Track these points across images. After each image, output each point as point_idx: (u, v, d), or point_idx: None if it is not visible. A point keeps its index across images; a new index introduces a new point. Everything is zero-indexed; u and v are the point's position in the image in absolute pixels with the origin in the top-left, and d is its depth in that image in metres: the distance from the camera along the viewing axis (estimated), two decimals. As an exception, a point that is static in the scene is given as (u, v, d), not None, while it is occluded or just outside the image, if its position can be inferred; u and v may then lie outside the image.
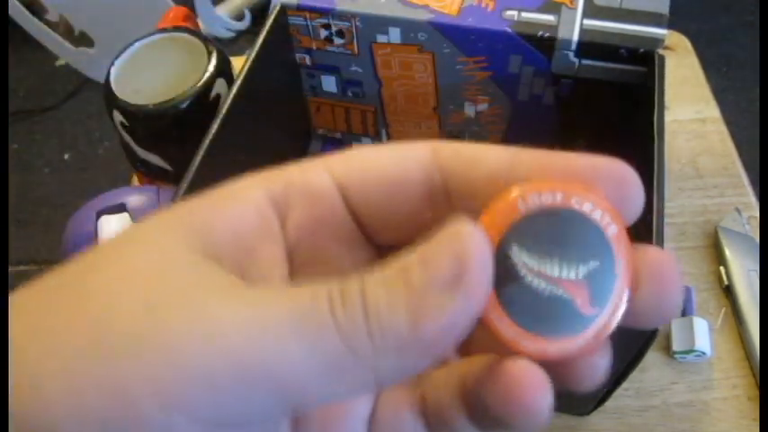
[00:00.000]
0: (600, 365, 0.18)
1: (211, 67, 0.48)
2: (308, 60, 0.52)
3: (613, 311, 0.17)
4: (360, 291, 0.16)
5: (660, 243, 0.32)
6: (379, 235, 0.20)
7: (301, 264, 0.20)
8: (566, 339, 0.17)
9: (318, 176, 0.19)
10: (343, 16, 0.47)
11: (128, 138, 0.50)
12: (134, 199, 0.47)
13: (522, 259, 0.17)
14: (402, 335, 0.15)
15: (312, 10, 0.47)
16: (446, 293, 0.15)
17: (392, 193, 0.19)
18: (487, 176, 0.18)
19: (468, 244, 0.16)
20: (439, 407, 0.19)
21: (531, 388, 0.16)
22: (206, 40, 0.51)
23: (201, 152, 0.39)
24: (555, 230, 0.18)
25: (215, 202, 0.19)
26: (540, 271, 0.17)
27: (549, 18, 0.44)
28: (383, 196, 0.19)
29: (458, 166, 0.19)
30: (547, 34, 0.44)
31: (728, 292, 0.50)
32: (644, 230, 0.33)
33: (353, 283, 0.16)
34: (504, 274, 0.17)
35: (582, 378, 0.18)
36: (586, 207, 0.18)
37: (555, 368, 0.17)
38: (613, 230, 0.18)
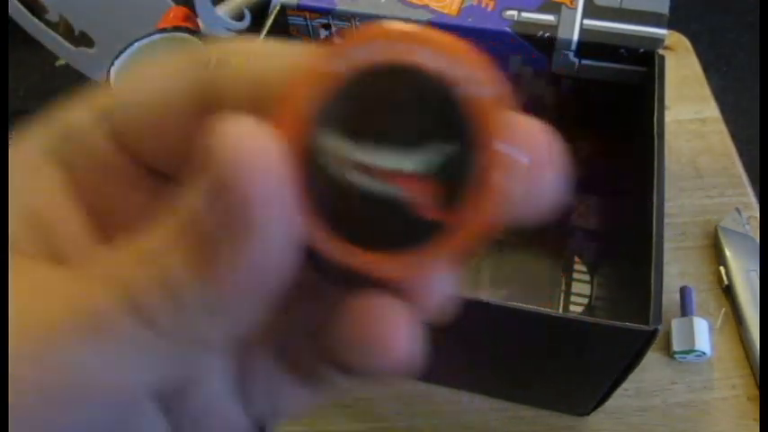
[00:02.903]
0: (435, 291, 0.14)
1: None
2: (307, 60, 0.52)
3: (477, 212, 0.13)
4: (158, 267, 0.13)
5: (660, 243, 0.32)
6: (176, 172, 0.16)
7: (106, 222, 0.17)
8: (397, 255, 0.13)
9: (77, 114, 0.16)
10: (343, 16, 0.47)
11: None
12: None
13: (337, 148, 0.12)
14: (205, 296, 0.13)
15: (312, 10, 0.47)
16: (231, 238, 0.12)
17: (156, 120, 0.16)
18: (279, 72, 0.14)
19: (226, 162, 0.12)
20: (299, 355, 0.17)
21: (383, 326, 0.13)
22: (206, 40, 0.51)
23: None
24: (386, 101, 0.12)
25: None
26: (364, 163, 0.12)
27: (548, 18, 0.44)
28: (147, 125, 0.16)
29: (231, 71, 0.15)
30: (547, 34, 0.44)
31: (728, 292, 0.50)
32: (644, 230, 0.33)
33: (150, 256, 0.13)
34: (315, 173, 0.12)
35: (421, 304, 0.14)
36: (438, 61, 0.12)
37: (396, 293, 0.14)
38: (482, 93, 0.13)
